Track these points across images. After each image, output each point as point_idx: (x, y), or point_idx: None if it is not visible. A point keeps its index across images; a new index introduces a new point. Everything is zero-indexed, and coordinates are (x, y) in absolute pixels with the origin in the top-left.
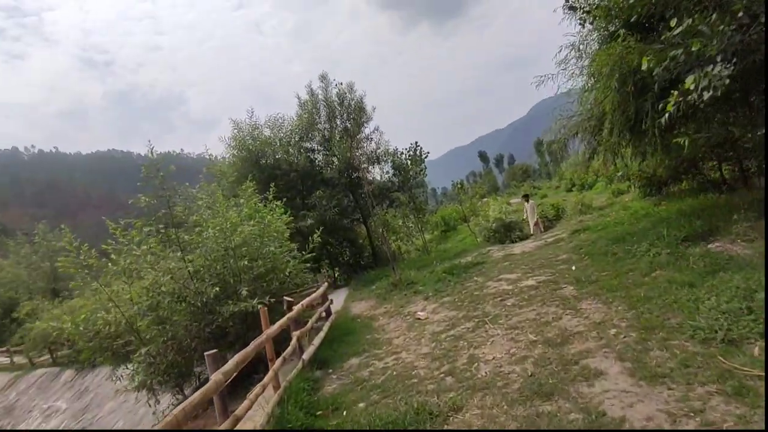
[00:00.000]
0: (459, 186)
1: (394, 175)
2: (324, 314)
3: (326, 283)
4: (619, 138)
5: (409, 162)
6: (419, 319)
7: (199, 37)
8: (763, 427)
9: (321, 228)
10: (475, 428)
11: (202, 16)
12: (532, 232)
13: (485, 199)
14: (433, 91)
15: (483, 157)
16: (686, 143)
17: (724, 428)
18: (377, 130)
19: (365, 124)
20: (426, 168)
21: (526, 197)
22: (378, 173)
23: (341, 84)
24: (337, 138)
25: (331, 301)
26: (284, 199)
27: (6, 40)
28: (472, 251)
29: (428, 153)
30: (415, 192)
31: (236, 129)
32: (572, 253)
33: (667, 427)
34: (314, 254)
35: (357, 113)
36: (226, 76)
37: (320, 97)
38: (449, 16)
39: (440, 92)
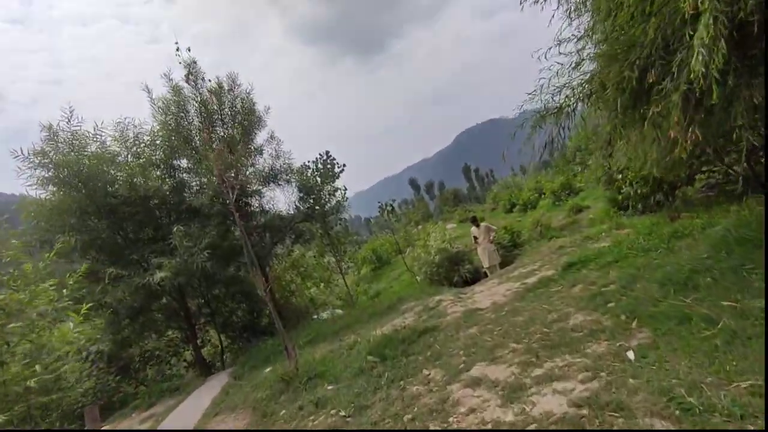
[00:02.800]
0: (388, 209)
1: (301, 198)
2: None
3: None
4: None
5: (318, 179)
6: None
7: (107, 72)
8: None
9: (177, 287)
10: None
11: (109, 50)
12: (487, 265)
13: (420, 227)
14: (361, 125)
15: (414, 184)
16: None
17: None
18: (273, 138)
19: (255, 131)
20: (345, 190)
21: (474, 220)
22: (281, 198)
23: (217, 77)
24: (215, 149)
25: None
26: (139, 243)
27: None
28: (412, 300)
29: (344, 166)
30: (330, 221)
31: (52, 140)
32: (596, 310)
33: None
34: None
35: (244, 116)
36: (141, 113)
37: (188, 93)
38: (371, 53)
39: (368, 125)
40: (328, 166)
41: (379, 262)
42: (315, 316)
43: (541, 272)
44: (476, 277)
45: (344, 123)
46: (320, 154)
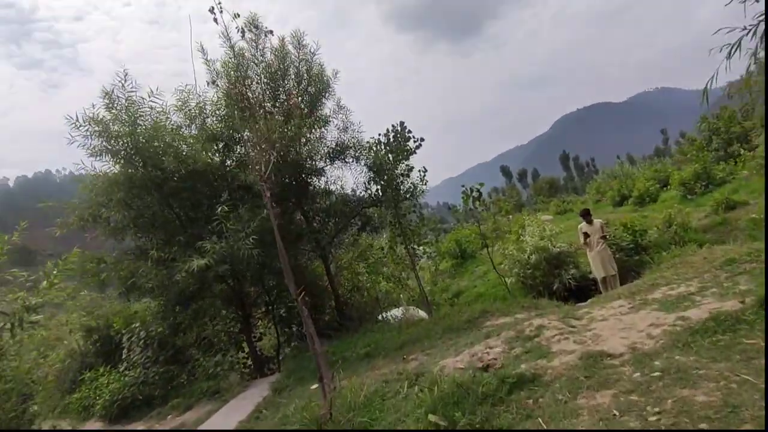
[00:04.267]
0: (474, 195)
1: (371, 179)
2: None
3: None
4: None
5: (390, 156)
6: None
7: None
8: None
9: (231, 272)
10: None
11: (217, 41)
12: (603, 275)
13: (511, 217)
14: (453, 110)
15: (506, 171)
16: None
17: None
18: (341, 107)
19: (322, 99)
20: (425, 172)
21: (587, 214)
22: (348, 179)
23: (281, 37)
24: (279, 118)
25: None
26: (197, 223)
27: (44, 70)
28: (500, 314)
29: (421, 140)
30: (404, 207)
31: (111, 107)
32: None
33: None
34: None
35: (313, 82)
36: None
37: (249, 55)
38: (466, 36)
39: (460, 111)
40: (401, 140)
41: (463, 255)
42: (381, 315)
43: (707, 300)
44: (582, 284)
45: (436, 109)
46: (393, 125)
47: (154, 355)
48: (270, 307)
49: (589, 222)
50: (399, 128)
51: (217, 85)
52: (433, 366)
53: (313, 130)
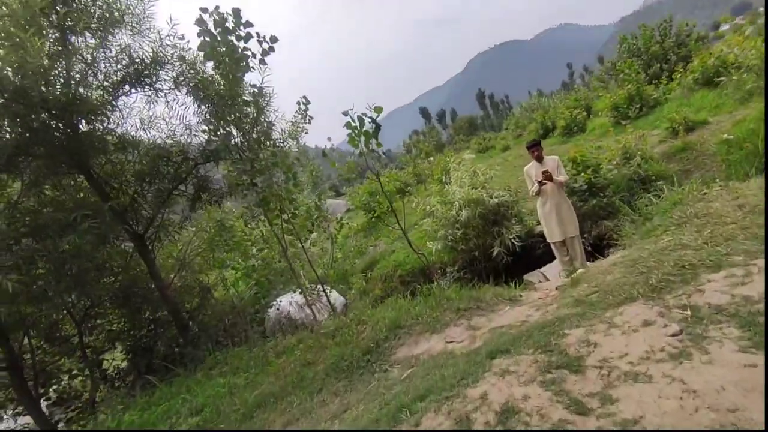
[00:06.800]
0: (370, 128)
1: (207, 118)
2: None
3: None
4: None
5: (218, 78)
6: None
7: None
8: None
9: None
10: None
11: None
12: (559, 238)
13: (432, 159)
14: (368, 54)
15: (425, 113)
16: None
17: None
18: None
19: None
20: (307, 104)
21: (536, 147)
22: (174, 117)
23: None
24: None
25: None
26: None
27: None
28: (420, 329)
29: (273, 40)
30: (262, 159)
31: None
32: None
33: None
34: None
35: None
36: None
37: None
38: None
39: (376, 54)
40: (235, 39)
41: (378, 210)
42: (271, 308)
43: None
44: (526, 243)
45: (349, 53)
46: (210, 10)
47: None
48: (78, 332)
49: (540, 158)
50: (230, 18)
51: None
52: None
53: (79, 37)
